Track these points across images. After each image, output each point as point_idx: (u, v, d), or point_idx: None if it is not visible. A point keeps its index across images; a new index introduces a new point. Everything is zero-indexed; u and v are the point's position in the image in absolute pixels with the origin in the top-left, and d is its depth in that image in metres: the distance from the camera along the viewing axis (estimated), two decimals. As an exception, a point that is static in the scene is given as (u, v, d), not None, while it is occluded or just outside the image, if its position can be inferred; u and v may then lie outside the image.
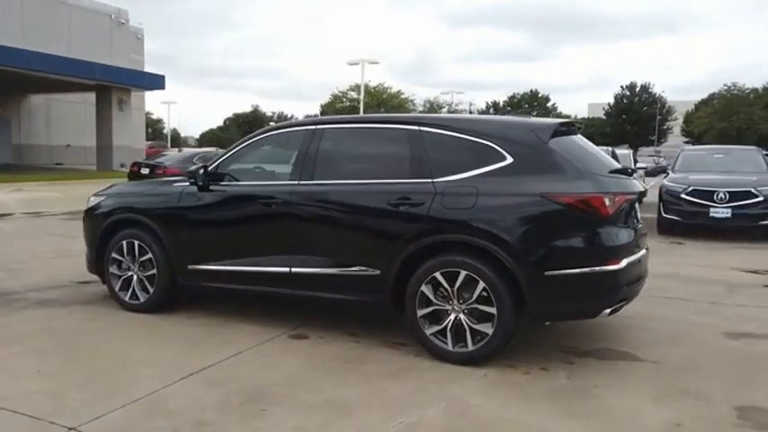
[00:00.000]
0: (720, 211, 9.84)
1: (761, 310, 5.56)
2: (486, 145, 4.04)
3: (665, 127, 71.72)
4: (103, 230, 5.25)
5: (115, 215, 5.24)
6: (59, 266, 6.88)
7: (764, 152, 12.04)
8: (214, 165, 4.86)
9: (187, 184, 4.91)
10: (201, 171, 4.77)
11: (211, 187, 4.79)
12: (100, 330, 4.67)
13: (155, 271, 5.00)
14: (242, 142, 4.97)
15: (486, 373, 3.82)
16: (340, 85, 69.89)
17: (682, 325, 4.95)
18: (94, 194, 5.62)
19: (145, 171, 15.97)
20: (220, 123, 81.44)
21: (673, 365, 4.04)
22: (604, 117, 72.29)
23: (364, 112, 37.52)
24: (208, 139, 73.36)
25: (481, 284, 3.84)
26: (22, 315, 4.99)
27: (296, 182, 4.51)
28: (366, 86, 38.66)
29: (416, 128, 4.29)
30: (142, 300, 5.09)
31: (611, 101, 72.76)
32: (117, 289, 5.21)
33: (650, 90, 71.25)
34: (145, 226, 5.07)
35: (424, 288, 4.01)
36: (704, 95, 66.47)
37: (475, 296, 3.88)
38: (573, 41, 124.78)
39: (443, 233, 4.01)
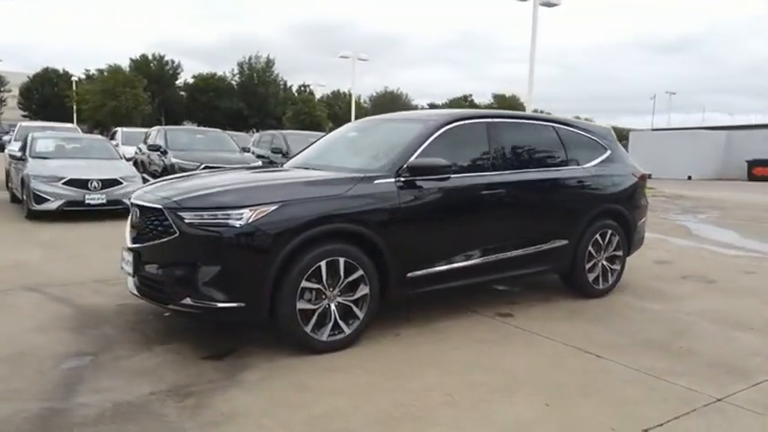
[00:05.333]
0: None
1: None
2: (597, 141, 5.72)
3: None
4: (287, 254, 3.69)
5: (311, 229, 3.76)
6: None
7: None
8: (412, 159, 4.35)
9: (378, 178, 4.19)
10: (422, 165, 4.27)
11: (427, 183, 4.34)
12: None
13: (367, 290, 4.04)
14: (429, 134, 4.53)
15: (606, 301, 5.67)
16: None
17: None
18: (241, 205, 3.65)
19: None
20: None
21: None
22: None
23: None
24: None
25: (617, 238, 5.63)
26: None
27: (499, 172, 4.80)
28: None
29: (558, 125, 5.45)
30: (348, 331, 4.00)
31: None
32: (309, 329, 3.83)
33: (-19, 58, 64.51)
34: (355, 236, 3.98)
35: (591, 248, 5.42)
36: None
37: (614, 246, 5.62)
38: None
39: (604, 204, 5.50)
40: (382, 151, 4.60)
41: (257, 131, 37.59)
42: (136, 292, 4.15)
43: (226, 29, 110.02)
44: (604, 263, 5.58)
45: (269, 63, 64.57)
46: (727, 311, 5.24)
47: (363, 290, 4.02)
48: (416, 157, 4.35)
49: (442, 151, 4.65)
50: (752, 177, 30.44)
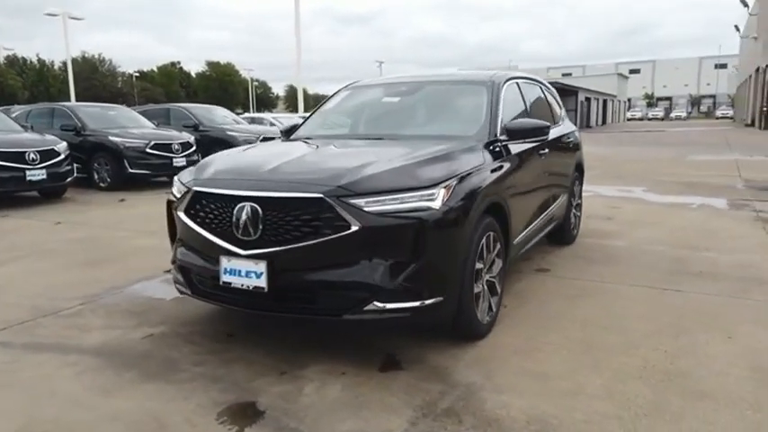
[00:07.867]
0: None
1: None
2: (557, 100, 6.14)
3: None
4: (470, 234, 3.28)
5: (481, 204, 3.38)
6: None
7: None
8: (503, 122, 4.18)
9: (491, 144, 3.93)
10: (523, 127, 4.13)
11: (516, 146, 4.20)
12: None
13: (501, 264, 3.83)
14: (498, 94, 4.29)
15: (583, 245, 6.33)
16: None
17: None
18: (433, 183, 3.05)
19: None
20: None
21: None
22: None
23: None
24: None
25: (580, 187, 6.23)
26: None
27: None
28: None
29: (539, 83, 5.69)
30: (495, 308, 3.76)
31: None
32: (478, 312, 3.50)
33: None
34: (498, 209, 3.69)
35: (571, 199, 5.90)
36: None
37: (578, 195, 6.21)
38: None
39: (577, 158, 5.98)
40: (462, 116, 4.31)
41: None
42: (256, 308, 3.24)
43: None
44: (574, 211, 6.14)
45: None
46: (665, 240, 6.24)
47: (499, 264, 3.78)
48: (502, 120, 4.17)
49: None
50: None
